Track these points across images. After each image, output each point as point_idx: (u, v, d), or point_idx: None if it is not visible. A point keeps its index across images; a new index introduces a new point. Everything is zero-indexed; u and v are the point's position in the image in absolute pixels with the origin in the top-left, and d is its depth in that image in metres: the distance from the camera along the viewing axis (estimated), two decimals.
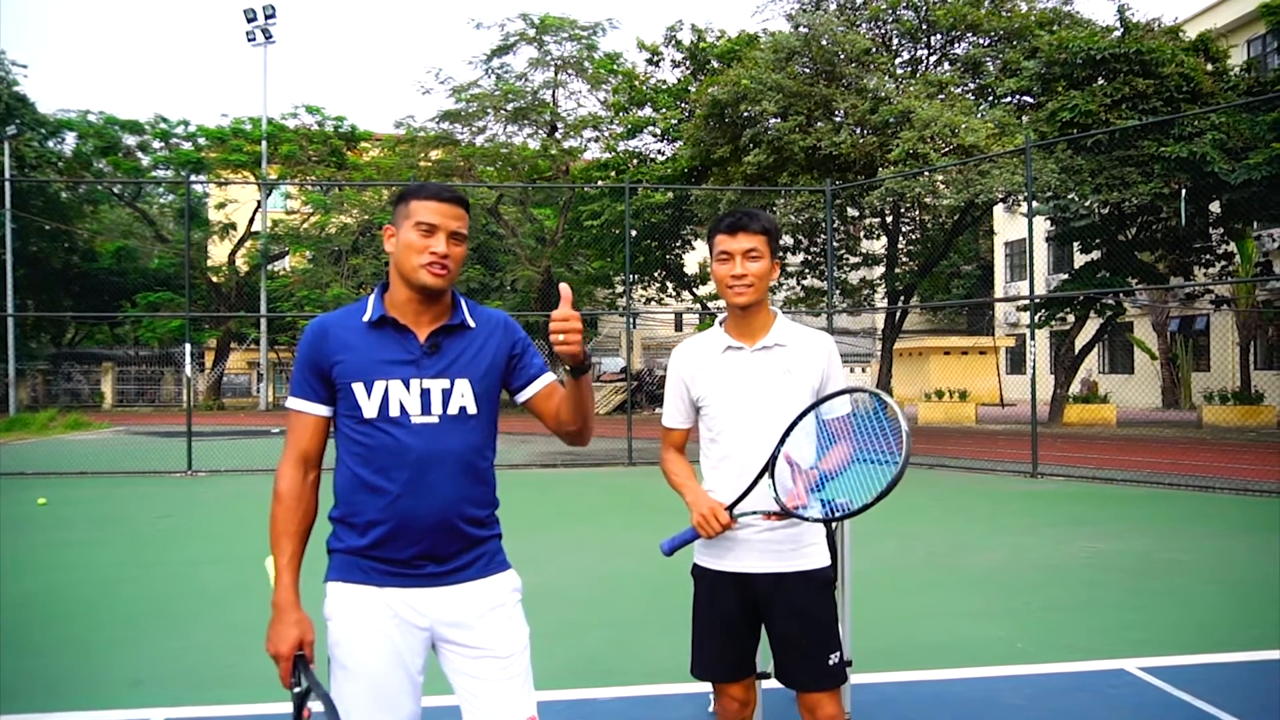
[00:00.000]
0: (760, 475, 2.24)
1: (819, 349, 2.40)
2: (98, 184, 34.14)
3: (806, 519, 2.19)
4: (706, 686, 3.65)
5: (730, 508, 2.25)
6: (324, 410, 1.98)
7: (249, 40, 33.67)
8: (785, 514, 2.19)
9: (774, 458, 2.22)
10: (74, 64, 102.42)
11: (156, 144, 34.55)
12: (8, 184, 27.30)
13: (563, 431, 2.11)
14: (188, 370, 13.65)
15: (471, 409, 1.97)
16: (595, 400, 2.14)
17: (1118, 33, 18.58)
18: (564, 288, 1.97)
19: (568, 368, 1.96)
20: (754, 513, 2.25)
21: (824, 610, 2.36)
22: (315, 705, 1.82)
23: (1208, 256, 21.71)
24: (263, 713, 3.53)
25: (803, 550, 2.36)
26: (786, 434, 2.23)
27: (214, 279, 35.84)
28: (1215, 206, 19.92)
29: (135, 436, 20.07)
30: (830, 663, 2.34)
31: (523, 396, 2.10)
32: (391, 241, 1.98)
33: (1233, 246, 21.65)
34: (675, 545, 2.30)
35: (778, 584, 2.34)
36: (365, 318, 1.97)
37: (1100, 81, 17.57)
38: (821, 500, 2.21)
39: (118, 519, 8.72)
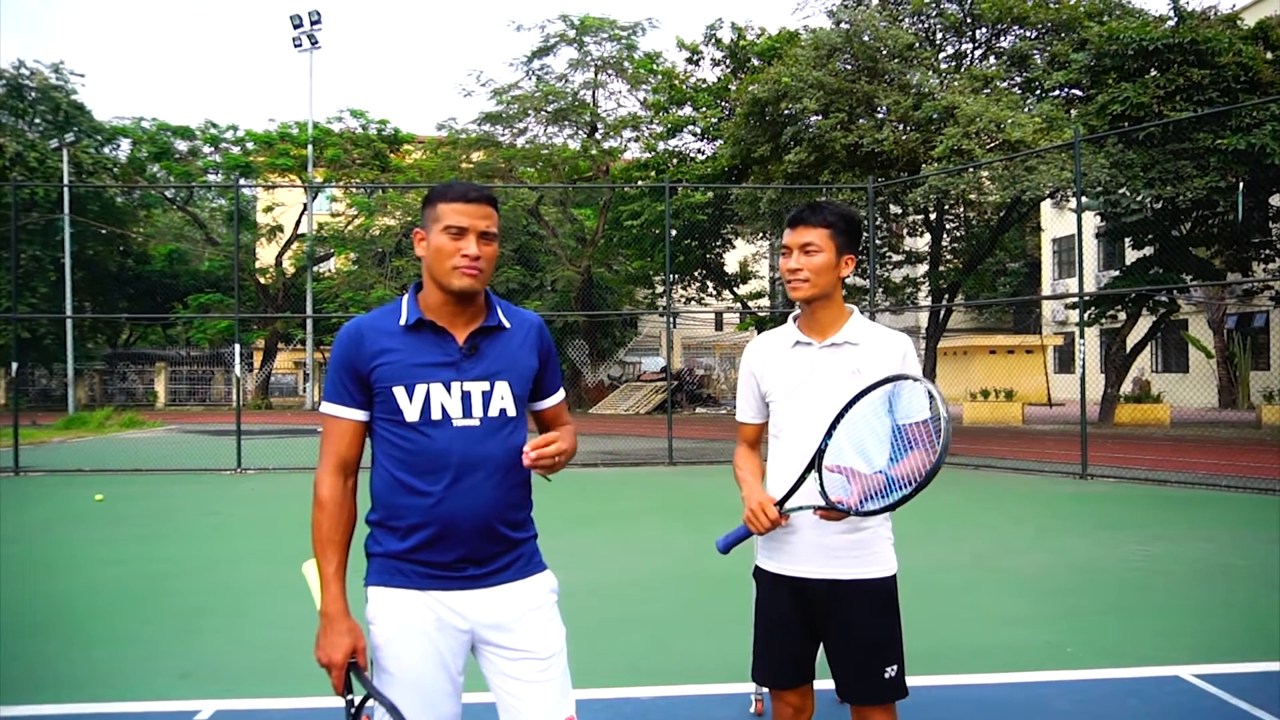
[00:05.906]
0: (808, 470, 2.18)
1: (893, 349, 2.31)
2: (151, 188, 35.08)
3: (851, 514, 2.12)
4: (747, 687, 3.64)
5: (780, 503, 2.20)
6: (361, 415, 1.97)
7: (295, 46, 34.45)
8: (831, 509, 2.13)
9: (820, 452, 2.16)
10: (128, 72, 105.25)
11: (207, 149, 35.46)
12: (66, 190, 28.20)
13: None
14: (237, 370, 13.96)
15: (511, 411, 1.97)
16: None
17: (1171, 22, 18.07)
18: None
19: None
20: (801, 508, 2.18)
21: (882, 621, 2.27)
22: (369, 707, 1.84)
23: (1267, 251, 21.02)
24: (309, 706, 3.59)
25: (862, 556, 2.26)
26: (833, 428, 2.16)
27: (262, 280, 36.61)
28: (1276, 200, 19.29)
29: (187, 435, 20.58)
30: (886, 676, 2.24)
31: (533, 407, 2.12)
32: (422, 245, 1.98)
33: None
34: (730, 543, 2.25)
35: (833, 591, 2.26)
36: (401, 321, 1.96)
37: (1153, 73, 17.11)
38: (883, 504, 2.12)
39: (169, 515, 8.92)
